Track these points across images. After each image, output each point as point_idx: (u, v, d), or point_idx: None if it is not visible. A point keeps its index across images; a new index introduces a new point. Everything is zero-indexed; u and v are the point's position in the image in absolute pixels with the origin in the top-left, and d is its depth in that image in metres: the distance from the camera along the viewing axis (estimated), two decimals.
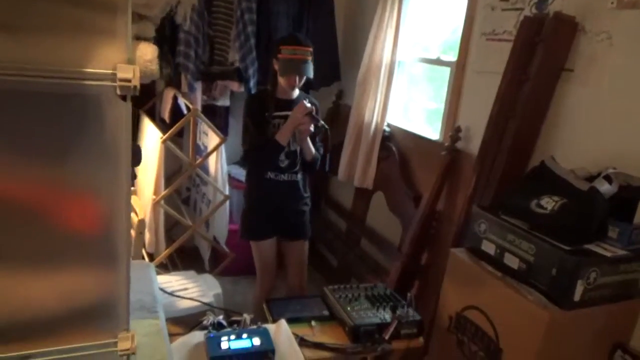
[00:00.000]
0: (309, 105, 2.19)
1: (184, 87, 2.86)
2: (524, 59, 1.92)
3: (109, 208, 0.64)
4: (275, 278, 2.55)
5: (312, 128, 2.23)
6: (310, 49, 2.21)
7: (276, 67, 2.24)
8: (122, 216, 0.64)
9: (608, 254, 1.49)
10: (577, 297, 1.46)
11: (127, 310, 0.66)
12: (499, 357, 1.62)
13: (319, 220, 2.92)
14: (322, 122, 2.25)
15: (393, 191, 2.84)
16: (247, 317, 1.70)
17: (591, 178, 1.61)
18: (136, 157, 0.96)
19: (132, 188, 2.92)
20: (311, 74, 2.24)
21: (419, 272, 2.53)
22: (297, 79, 2.23)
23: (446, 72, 2.59)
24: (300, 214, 2.46)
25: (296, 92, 2.34)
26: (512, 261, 1.63)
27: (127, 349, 0.64)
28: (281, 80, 2.25)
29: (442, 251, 2.23)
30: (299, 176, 2.39)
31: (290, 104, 2.27)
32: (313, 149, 2.35)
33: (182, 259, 3.14)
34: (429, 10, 2.85)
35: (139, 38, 1.05)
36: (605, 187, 1.50)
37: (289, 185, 2.37)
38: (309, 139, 2.29)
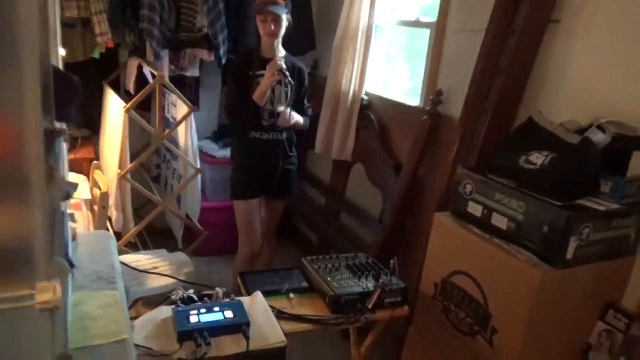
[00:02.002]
0: (280, 62, 2.17)
1: (149, 56, 2.67)
2: (509, 11, 1.81)
3: (14, 128, 0.50)
4: (260, 238, 2.51)
5: (286, 87, 2.24)
6: None
7: (258, 24, 2.26)
8: (31, 138, 0.50)
9: (601, 208, 1.41)
10: (569, 254, 1.38)
11: (46, 255, 0.52)
12: (488, 321, 1.54)
13: (296, 195, 2.83)
14: (289, 78, 2.20)
15: (373, 161, 2.73)
16: (219, 290, 1.57)
17: (581, 130, 1.52)
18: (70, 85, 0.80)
19: (96, 162, 2.75)
20: (283, 14, 2.20)
21: (402, 242, 2.44)
22: (272, 24, 2.20)
23: (425, 35, 2.48)
24: (286, 172, 2.43)
25: (282, 52, 2.34)
26: (500, 221, 1.54)
27: (47, 302, 0.50)
28: (261, 31, 2.25)
29: (425, 219, 2.14)
30: (284, 135, 2.37)
31: None
32: (301, 120, 2.37)
33: (154, 239, 2.99)
34: None
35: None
36: (598, 137, 1.41)
37: (273, 144, 2.35)
38: (294, 117, 2.29)
